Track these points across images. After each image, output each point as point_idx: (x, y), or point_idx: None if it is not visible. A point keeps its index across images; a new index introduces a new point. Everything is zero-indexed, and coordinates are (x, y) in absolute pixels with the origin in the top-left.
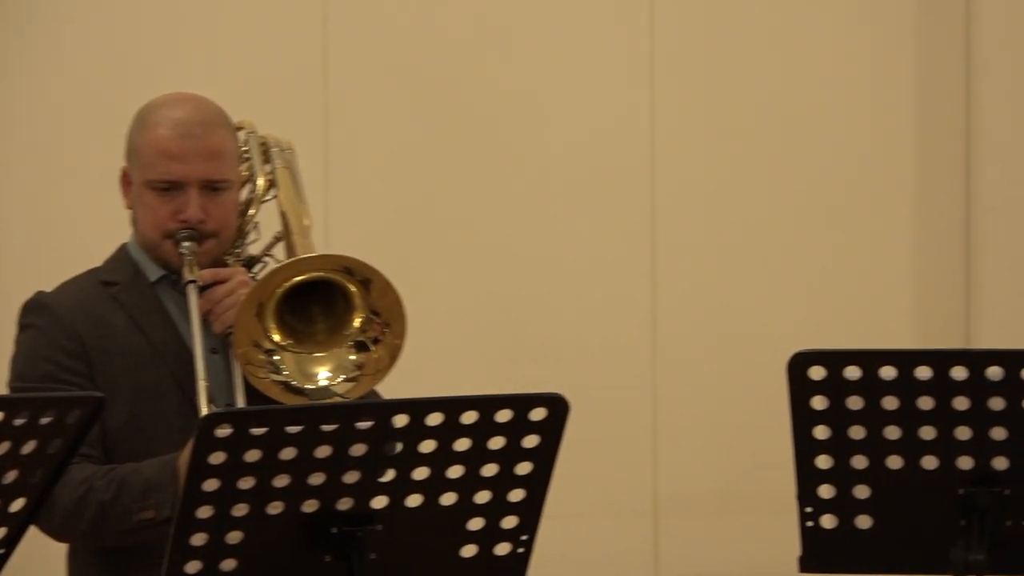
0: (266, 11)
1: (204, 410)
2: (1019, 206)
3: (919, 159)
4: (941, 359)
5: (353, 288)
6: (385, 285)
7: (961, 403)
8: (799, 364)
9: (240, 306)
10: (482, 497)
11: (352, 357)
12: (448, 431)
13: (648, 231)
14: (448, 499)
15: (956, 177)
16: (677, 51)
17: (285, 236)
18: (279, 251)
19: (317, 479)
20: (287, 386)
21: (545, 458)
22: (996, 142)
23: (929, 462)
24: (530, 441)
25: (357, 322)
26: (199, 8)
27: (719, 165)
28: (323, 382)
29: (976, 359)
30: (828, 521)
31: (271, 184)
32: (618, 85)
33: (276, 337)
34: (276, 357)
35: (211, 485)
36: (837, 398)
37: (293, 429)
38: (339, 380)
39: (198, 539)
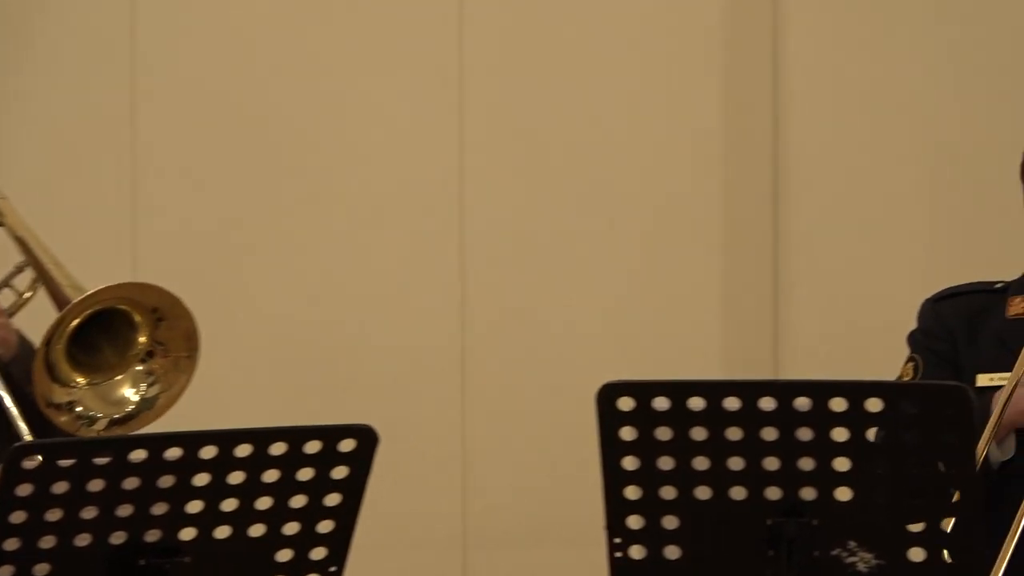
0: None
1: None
2: (826, 238)
3: (727, 191)
4: (749, 390)
5: (130, 309)
6: (159, 292)
7: (769, 434)
8: (608, 395)
9: (34, 370)
10: (291, 528)
11: (140, 368)
12: (257, 462)
13: (456, 261)
14: (257, 530)
15: (764, 207)
16: (485, 80)
17: (38, 268)
18: (20, 281)
19: (125, 511)
20: (112, 422)
21: (354, 489)
22: (804, 174)
23: (738, 492)
24: (339, 472)
25: (143, 339)
26: None
27: (528, 196)
28: (134, 399)
29: (784, 390)
30: (637, 552)
31: None
32: (425, 116)
33: (79, 379)
34: (79, 408)
35: (18, 518)
36: (646, 429)
37: (101, 460)
38: (143, 391)
39: (5, 572)
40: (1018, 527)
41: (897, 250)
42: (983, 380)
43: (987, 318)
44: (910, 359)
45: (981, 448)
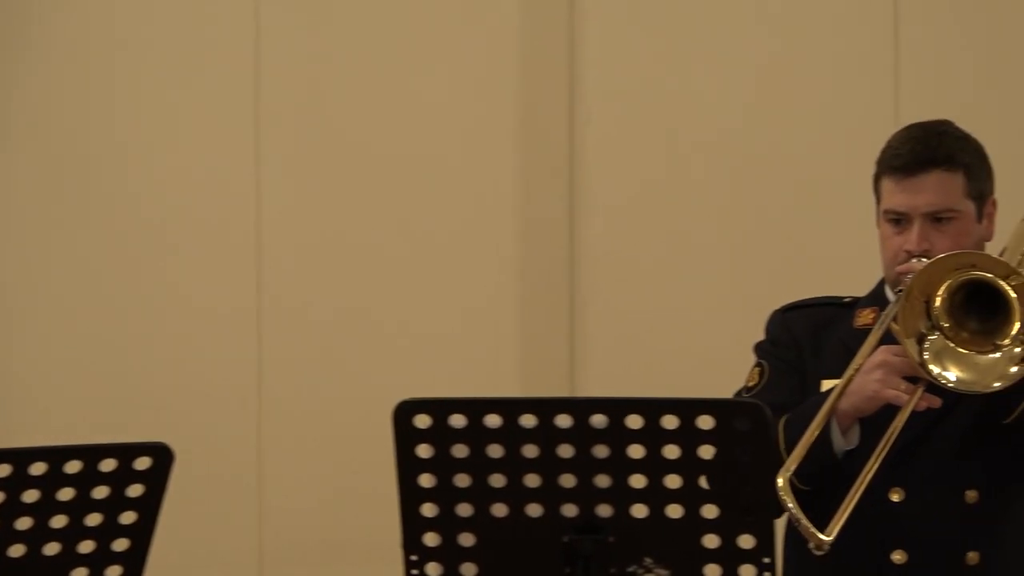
0: None
1: None
2: (622, 257)
3: (523, 208)
4: (545, 407)
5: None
6: None
7: (566, 451)
8: (404, 412)
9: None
10: (86, 547)
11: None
12: (52, 480)
13: (253, 276)
14: (51, 549)
15: (560, 229)
16: (281, 91)
17: None
18: None
19: None
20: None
21: (149, 507)
22: (599, 195)
23: (534, 510)
24: (135, 490)
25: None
26: None
27: (325, 209)
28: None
29: (580, 407)
30: (433, 569)
31: None
32: (221, 127)
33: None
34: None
35: None
36: (442, 446)
37: None
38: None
39: None
40: (851, 500)
41: (695, 265)
42: (828, 385)
43: (834, 329)
44: (757, 364)
45: (808, 437)
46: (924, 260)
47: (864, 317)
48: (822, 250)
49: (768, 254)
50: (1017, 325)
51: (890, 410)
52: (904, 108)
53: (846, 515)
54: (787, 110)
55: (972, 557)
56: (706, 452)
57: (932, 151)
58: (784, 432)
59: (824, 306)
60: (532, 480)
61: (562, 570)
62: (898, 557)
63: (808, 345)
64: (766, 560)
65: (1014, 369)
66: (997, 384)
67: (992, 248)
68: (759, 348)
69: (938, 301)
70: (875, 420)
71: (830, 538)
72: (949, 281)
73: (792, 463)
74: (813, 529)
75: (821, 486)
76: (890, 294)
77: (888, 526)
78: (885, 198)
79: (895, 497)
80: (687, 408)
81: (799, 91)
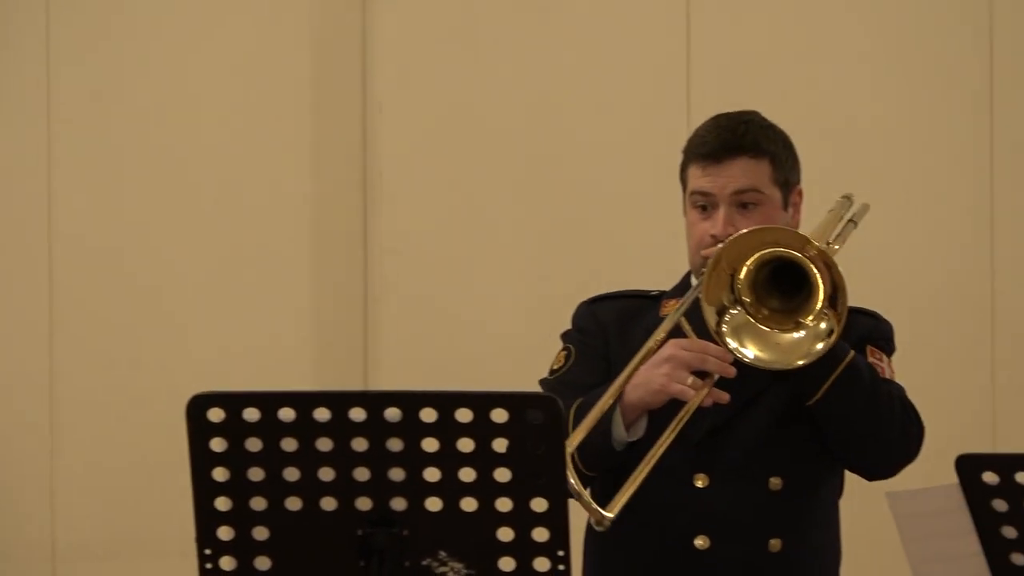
0: None
1: None
2: (415, 249)
3: (315, 203)
4: (339, 401)
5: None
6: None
7: (360, 444)
8: (197, 406)
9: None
10: None
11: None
12: None
13: (45, 271)
14: None
15: (353, 221)
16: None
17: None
18: None
19: None
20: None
21: None
22: (392, 186)
23: (328, 503)
24: None
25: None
26: None
27: (114, 203)
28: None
29: (374, 400)
30: (227, 563)
31: None
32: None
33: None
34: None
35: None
36: (236, 440)
37: None
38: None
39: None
40: (634, 483)
41: (489, 257)
42: None
43: (641, 320)
44: (564, 348)
45: (592, 417)
46: None
47: (669, 308)
48: (618, 241)
49: (563, 246)
50: (820, 302)
51: (679, 403)
52: (696, 103)
53: (629, 494)
54: (580, 102)
55: (774, 544)
56: (500, 445)
57: (739, 138)
58: (574, 416)
59: (631, 298)
60: (326, 474)
61: (356, 563)
62: (700, 543)
63: (615, 334)
64: (560, 553)
65: (819, 346)
66: (801, 362)
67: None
68: (566, 335)
69: (743, 274)
70: (663, 413)
71: (612, 514)
72: (756, 255)
73: (575, 438)
74: (595, 505)
75: (608, 472)
76: (695, 284)
77: (692, 512)
78: (691, 182)
79: (699, 483)
80: (480, 401)
81: (591, 83)
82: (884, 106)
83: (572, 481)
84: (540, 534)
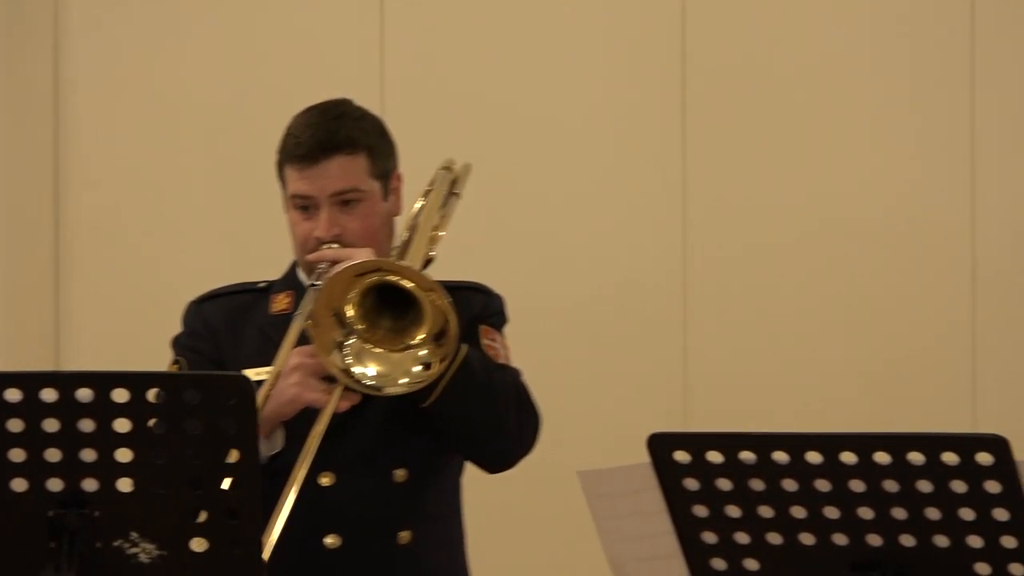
0: None
1: None
2: (109, 228)
3: (4, 182)
4: (30, 381)
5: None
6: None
7: (51, 425)
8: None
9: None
10: None
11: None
12: None
13: None
14: None
15: (44, 200)
16: None
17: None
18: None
19: None
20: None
21: None
22: (85, 168)
23: (19, 484)
24: None
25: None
26: None
27: None
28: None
29: (65, 381)
30: None
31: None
32: None
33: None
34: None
35: None
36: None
37: None
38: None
39: None
40: (283, 506)
41: (177, 245)
42: (249, 375)
43: (251, 316)
44: (175, 362)
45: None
46: (336, 247)
47: (280, 303)
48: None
49: (255, 223)
50: (426, 327)
51: (314, 412)
52: (389, 99)
53: (278, 526)
54: (260, 95)
55: (404, 536)
56: (193, 427)
57: (332, 135)
58: None
59: (240, 293)
60: (17, 455)
61: (46, 544)
62: (331, 540)
63: (226, 335)
64: (251, 536)
65: (417, 368)
66: (403, 381)
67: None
68: (176, 342)
69: (350, 310)
70: (298, 422)
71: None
72: (355, 291)
73: None
74: None
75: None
76: (303, 277)
77: (320, 510)
78: (290, 185)
79: (325, 481)
80: (172, 382)
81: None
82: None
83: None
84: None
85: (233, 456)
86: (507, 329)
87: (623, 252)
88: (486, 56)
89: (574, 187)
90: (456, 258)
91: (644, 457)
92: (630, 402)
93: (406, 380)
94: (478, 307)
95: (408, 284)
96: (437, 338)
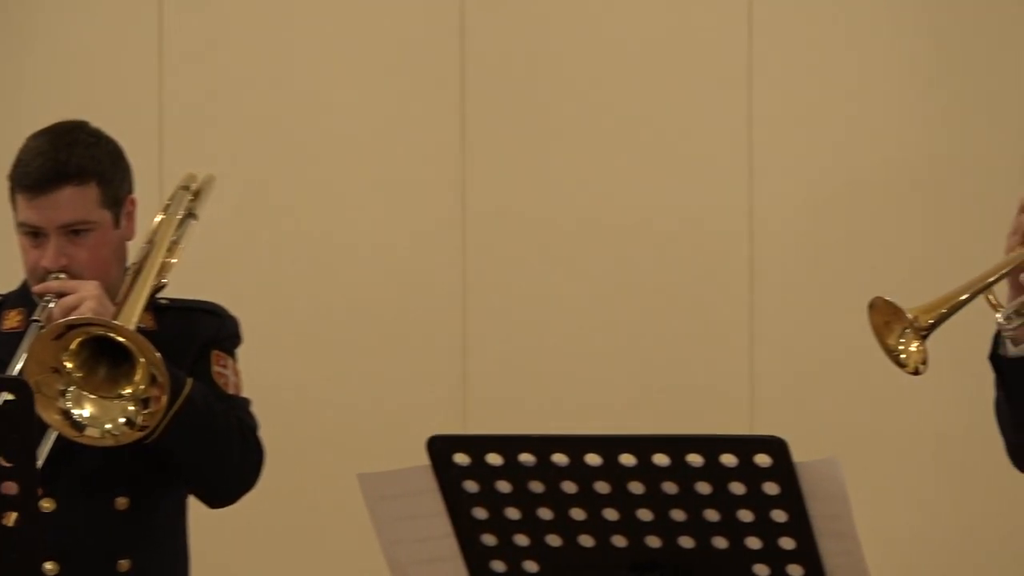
0: None
1: None
2: None
3: None
4: None
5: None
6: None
7: None
8: None
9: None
10: None
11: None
12: None
13: None
14: None
15: None
16: None
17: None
18: None
19: None
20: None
21: None
22: None
23: None
24: None
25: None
26: None
27: None
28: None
29: None
30: None
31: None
32: None
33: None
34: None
35: None
36: None
37: None
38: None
39: None
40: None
41: None
42: None
43: None
44: None
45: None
46: (63, 276)
47: (11, 320)
48: None
49: None
50: (137, 380)
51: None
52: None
53: None
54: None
55: (124, 564)
56: None
57: (62, 166)
58: None
59: None
60: None
61: None
62: (50, 567)
63: None
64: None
65: (122, 421)
66: (110, 430)
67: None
68: None
69: (68, 362)
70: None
71: None
72: (69, 348)
73: None
74: None
75: None
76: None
77: (40, 537)
78: (20, 211)
79: (47, 506)
80: None
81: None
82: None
83: None
84: (9, 519)
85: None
86: (240, 350)
87: (403, 254)
88: (264, 60)
89: (353, 189)
90: (245, 257)
91: (425, 459)
92: (411, 405)
93: (112, 431)
94: (211, 330)
95: (120, 339)
96: (145, 397)
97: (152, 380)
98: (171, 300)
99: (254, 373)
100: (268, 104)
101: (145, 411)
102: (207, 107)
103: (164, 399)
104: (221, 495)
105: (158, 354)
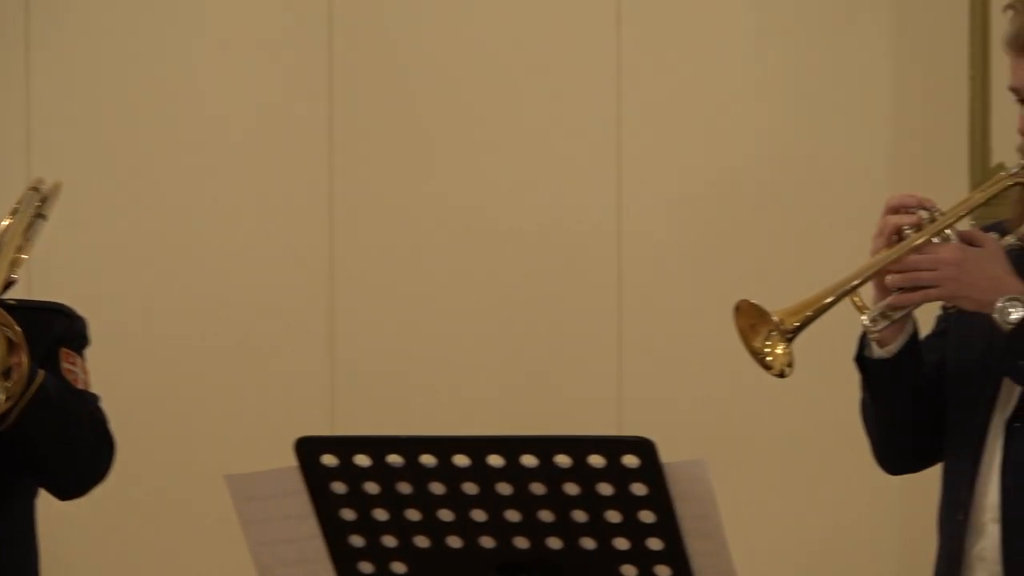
0: None
1: None
2: None
3: None
4: None
5: None
6: None
7: None
8: None
9: None
10: None
11: None
12: None
13: None
14: None
15: None
16: None
17: None
18: None
19: None
20: None
21: None
22: None
23: None
24: None
25: None
26: None
27: None
28: None
29: None
30: None
31: None
32: None
33: None
34: None
35: None
36: None
37: None
38: None
39: None
40: None
41: None
42: None
43: None
44: None
45: None
46: None
47: None
48: None
49: None
50: None
51: None
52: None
53: None
54: None
55: None
56: None
57: None
58: None
59: None
60: None
61: None
62: None
63: None
64: None
65: None
66: None
67: None
68: None
69: None
70: None
71: None
72: None
73: None
74: None
75: None
76: None
77: None
78: None
79: None
80: None
81: None
82: None
83: None
84: None
85: None
86: (86, 351)
87: (270, 255)
88: (132, 59)
89: (219, 190)
90: (111, 258)
91: (293, 461)
92: (280, 407)
93: None
94: (60, 329)
95: None
96: (6, 374)
97: (9, 346)
98: (18, 301)
99: (118, 374)
100: (134, 105)
101: (7, 383)
102: (73, 108)
103: (25, 363)
104: (73, 487)
105: (17, 331)
